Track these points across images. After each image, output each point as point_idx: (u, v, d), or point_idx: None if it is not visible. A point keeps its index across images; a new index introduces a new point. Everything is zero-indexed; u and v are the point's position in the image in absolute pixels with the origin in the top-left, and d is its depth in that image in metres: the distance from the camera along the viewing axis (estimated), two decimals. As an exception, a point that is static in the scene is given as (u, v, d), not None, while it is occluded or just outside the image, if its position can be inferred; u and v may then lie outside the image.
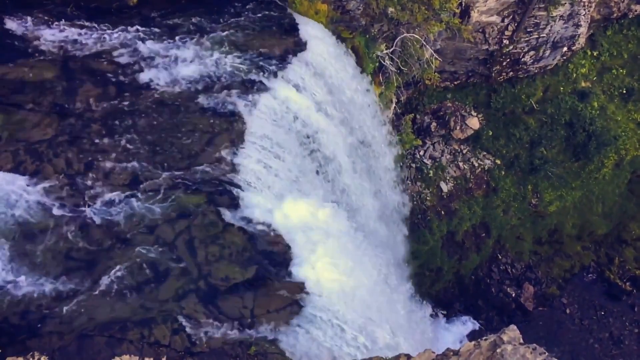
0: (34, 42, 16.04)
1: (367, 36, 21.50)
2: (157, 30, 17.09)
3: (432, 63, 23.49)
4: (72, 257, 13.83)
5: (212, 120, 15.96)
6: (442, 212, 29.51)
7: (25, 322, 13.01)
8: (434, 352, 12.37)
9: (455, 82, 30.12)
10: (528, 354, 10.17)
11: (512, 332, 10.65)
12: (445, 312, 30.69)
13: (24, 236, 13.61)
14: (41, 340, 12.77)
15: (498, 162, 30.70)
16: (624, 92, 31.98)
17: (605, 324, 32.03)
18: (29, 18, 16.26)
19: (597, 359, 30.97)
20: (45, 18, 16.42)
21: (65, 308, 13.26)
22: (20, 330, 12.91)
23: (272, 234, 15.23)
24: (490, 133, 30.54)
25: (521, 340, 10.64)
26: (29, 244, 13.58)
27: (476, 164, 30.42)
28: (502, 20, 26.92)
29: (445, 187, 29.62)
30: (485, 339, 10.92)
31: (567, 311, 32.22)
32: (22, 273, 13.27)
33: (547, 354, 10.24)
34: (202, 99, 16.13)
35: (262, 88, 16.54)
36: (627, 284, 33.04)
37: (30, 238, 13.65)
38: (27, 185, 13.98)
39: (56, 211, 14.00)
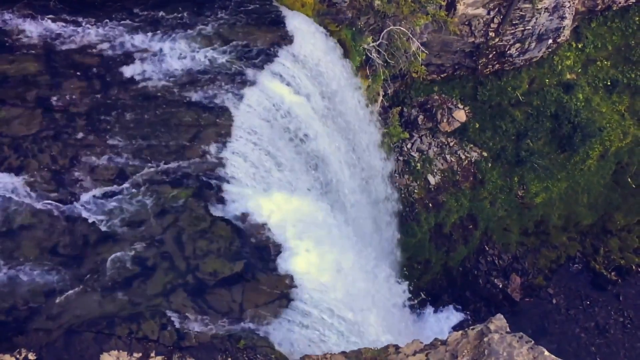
0: (16, 36, 15.84)
1: (354, 29, 21.46)
2: (141, 23, 16.94)
3: (419, 56, 23.50)
4: (58, 253, 13.73)
5: (198, 114, 15.87)
6: (430, 205, 29.65)
7: (12, 319, 12.91)
8: (422, 343, 12.48)
9: (442, 75, 30.19)
10: (514, 343, 10.29)
11: (498, 321, 10.76)
12: (433, 303, 30.91)
13: (9, 232, 13.48)
14: (28, 337, 12.68)
15: (485, 154, 30.87)
16: (609, 83, 32.24)
17: (591, 313, 32.44)
18: (10, 11, 16.03)
19: (583, 347, 31.38)
20: (28, 11, 16.20)
21: (52, 304, 13.17)
22: (7, 327, 12.80)
23: (259, 227, 15.22)
24: (477, 125, 30.69)
25: (508, 329, 10.75)
26: (14, 240, 13.46)
27: (463, 157, 30.58)
28: (488, 13, 27.01)
29: (432, 180, 29.75)
30: (473, 329, 11.02)
31: (554, 301, 32.58)
32: (7, 269, 13.15)
33: (533, 342, 10.36)
34: (188, 93, 16.03)
35: (249, 81, 16.47)
36: (613, 273, 33.45)
37: (15, 234, 13.52)
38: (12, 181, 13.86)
39: (41, 207, 13.88)
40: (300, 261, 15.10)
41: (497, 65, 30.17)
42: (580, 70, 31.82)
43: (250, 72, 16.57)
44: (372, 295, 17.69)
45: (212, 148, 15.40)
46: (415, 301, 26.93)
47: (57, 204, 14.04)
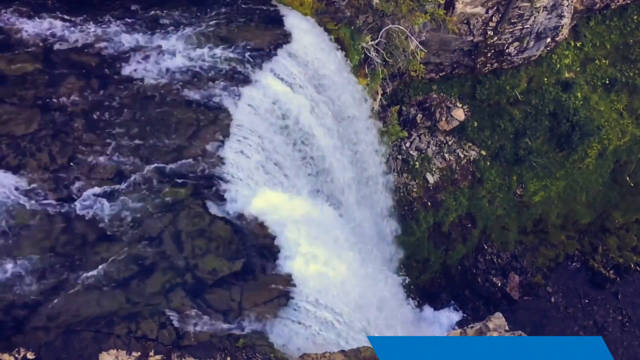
0: (15, 35, 15.81)
1: (352, 27, 21.45)
2: (140, 22, 16.92)
3: (418, 54, 23.49)
4: (57, 252, 13.70)
5: (197, 113, 15.86)
6: (429, 204, 29.68)
7: (10, 318, 12.89)
8: (421, 341, 12.44)
9: (441, 74, 30.20)
10: (513, 341, 10.28)
11: (497, 320, 10.77)
12: (432, 302, 30.94)
13: (8, 231, 13.45)
14: (27, 336, 12.66)
15: (483, 153, 30.89)
16: (607, 82, 32.28)
17: (590, 311, 32.47)
18: (8, 11, 16.01)
19: (581, 346, 31.37)
20: (26, 10, 16.17)
21: (50, 303, 13.15)
22: (5, 326, 12.79)
23: (258, 226, 15.21)
24: (476, 124, 30.71)
25: (506, 328, 10.77)
26: (13, 239, 13.43)
27: (462, 155, 30.59)
28: (487, 12, 27.01)
29: (431, 179, 29.77)
30: (472, 327, 11.04)
31: (552, 300, 32.61)
32: (6, 269, 13.13)
33: (532, 340, 10.35)
34: (186, 92, 16.01)
35: (247, 80, 16.47)
36: (611, 272, 33.49)
37: (13, 233, 13.50)
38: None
39: (40, 206, 13.86)
40: (299, 260, 15.08)
41: (496, 64, 30.19)
42: (578, 68, 31.84)
43: (248, 71, 16.55)
44: (372, 293, 17.67)
45: (211, 147, 15.38)
46: (415, 300, 26.86)
47: (55, 203, 14.02)
